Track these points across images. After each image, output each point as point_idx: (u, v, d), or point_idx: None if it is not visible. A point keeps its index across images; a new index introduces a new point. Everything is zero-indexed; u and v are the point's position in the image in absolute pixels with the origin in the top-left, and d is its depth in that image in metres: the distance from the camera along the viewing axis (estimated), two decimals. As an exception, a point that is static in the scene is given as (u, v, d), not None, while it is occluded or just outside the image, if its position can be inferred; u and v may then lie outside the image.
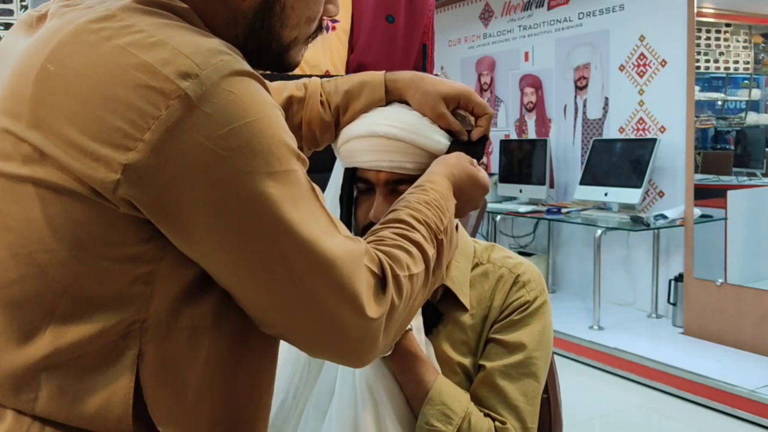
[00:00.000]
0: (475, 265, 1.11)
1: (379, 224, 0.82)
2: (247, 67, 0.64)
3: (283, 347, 1.11)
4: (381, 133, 0.97)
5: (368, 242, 0.77)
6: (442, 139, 0.99)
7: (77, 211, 0.62)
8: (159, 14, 0.64)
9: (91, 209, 0.62)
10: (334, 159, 1.10)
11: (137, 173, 0.59)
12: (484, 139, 1.02)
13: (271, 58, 0.77)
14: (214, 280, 0.69)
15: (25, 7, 4.88)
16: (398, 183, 1.00)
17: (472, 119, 1.02)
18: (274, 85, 0.98)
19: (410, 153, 0.97)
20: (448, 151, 0.98)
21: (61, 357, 0.64)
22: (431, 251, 0.80)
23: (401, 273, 0.74)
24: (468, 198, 0.94)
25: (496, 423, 1.01)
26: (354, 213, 1.06)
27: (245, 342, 0.73)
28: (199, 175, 0.60)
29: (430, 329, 1.06)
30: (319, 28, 0.82)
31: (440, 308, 1.07)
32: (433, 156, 0.98)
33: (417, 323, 1.03)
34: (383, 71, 1.03)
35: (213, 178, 0.61)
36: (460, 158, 0.96)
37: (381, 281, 0.72)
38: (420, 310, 1.04)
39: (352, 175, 1.04)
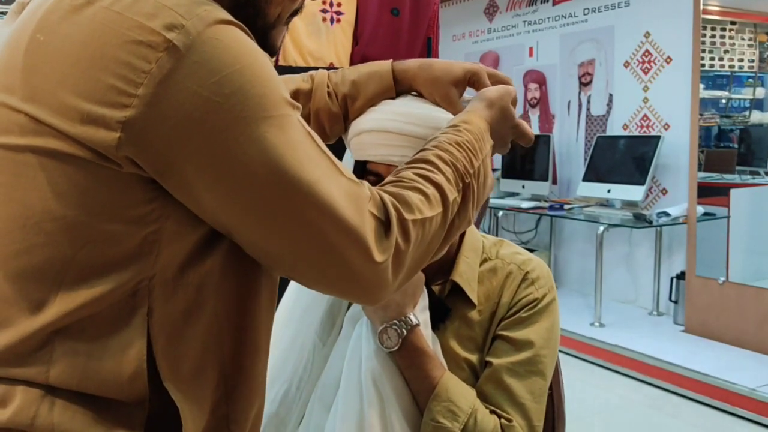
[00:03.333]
0: (484, 261, 1.11)
1: (405, 164, 0.81)
2: (229, 16, 0.65)
3: (286, 338, 1.11)
4: (392, 129, 0.96)
5: (388, 182, 0.77)
6: None
7: (80, 176, 0.62)
8: None
9: (94, 173, 0.62)
10: (342, 150, 1.08)
11: (136, 129, 0.60)
12: None
13: (257, 38, 0.77)
14: (220, 238, 0.69)
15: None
16: None
17: None
18: (280, 78, 0.98)
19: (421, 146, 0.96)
20: None
21: (72, 318, 0.65)
22: (453, 194, 0.79)
23: (409, 216, 0.73)
24: (498, 136, 0.92)
25: (502, 420, 1.00)
26: None
27: (250, 296, 0.74)
28: (197, 124, 0.61)
29: (437, 325, 1.05)
30: (300, 7, 0.82)
31: (448, 304, 1.07)
32: None
33: (424, 318, 1.02)
34: (390, 60, 1.02)
35: (210, 125, 0.61)
36: (501, 93, 0.92)
37: (384, 225, 0.72)
38: (428, 304, 1.03)
39: (362, 167, 1.03)
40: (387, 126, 0.96)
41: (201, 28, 0.61)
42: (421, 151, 0.83)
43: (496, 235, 5.39)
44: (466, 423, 0.97)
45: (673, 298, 4.03)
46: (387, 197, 0.73)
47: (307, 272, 0.71)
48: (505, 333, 1.05)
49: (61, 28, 0.62)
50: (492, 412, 1.01)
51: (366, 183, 0.73)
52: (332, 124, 1.03)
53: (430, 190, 0.77)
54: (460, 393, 0.99)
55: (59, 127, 0.61)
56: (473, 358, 1.06)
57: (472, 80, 0.98)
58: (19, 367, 0.65)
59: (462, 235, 1.10)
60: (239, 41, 0.64)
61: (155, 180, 0.64)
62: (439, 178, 0.78)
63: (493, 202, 4.82)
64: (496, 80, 0.99)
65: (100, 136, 0.60)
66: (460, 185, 0.81)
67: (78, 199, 0.63)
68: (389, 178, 0.79)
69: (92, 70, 0.60)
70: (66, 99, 0.61)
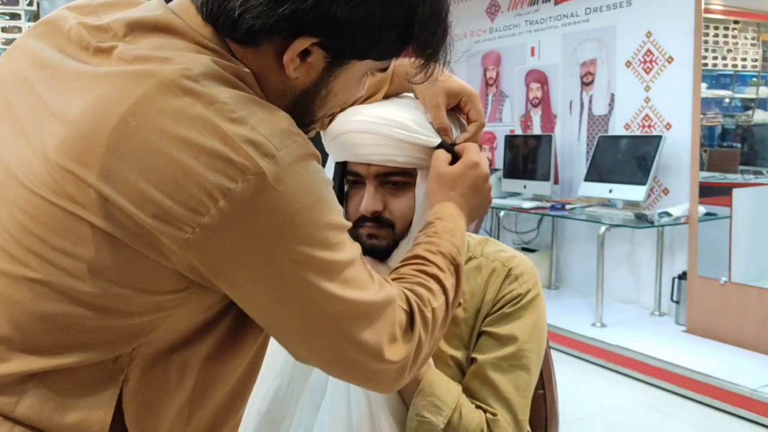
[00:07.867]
0: (469, 259, 1.11)
1: (399, 262, 0.86)
2: (312, 148, 0.69)
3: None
4: (371, 130, 0.98)
5: (394, 279, 0.82)
6: (432, 136, 0.99)
7: (128, 257, 0.64)
8: (233, 83, 0.68)
9: (143, 259, 0.65)
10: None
11: (204, 236, 0.63)
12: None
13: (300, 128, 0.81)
14: (215, 327, 0.73)
15: (30, 13, 4.69)
16: (389, 175, 1.00)
17: (466, 125, 1.03)
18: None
19: (400, 147, 0.98)
20: (436, 148, 0.98)
21: (54, 367, 0.67)
22: (450, 281, 0.84)
23: (426, 309, 0.79)
24: (480, 199, 0.97)
25: (488, 415, 1.01)
26: (345, 207, 1.05)
27: (229, 382, 0.78)
28: (261, 244, 0.65)
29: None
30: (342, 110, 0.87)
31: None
32: (424, 149, 0.98)
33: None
34: None
35: (274, 247, 0.66)
36: (455, 173, 0.96)
37: (410, 319, 0.77)
38: None
39: (342, 169, 1.03)
40: (366, 127, 0.98)
41: (289, 161, 0.65)
42: (409, 250, 0.88)
43: (498, 236, 5.35)
44: (451, 417, 0.98)
45: (674, 299, 4.02)
46: (409, 294, 0.78)
47: (331, 368, 0.77)
48: (489, 329, 1.06)
49: (158, 122, 0.63)
50: (478, 407, 1.02)
51: (391, 282, 0.79)
52: None
53: (432, 283, 0.83)
54: (445, 388, 1.00)
55: (129, 212, 0.62)
56: (459, 355, 1.07)
57: (464, 100, 1.01)
58: None
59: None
60: (315, 175, 0.69)
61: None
62: (434, 269, 0.84)
63: (494, 202, 4.82)
64: (476, 114, 1.02)
65: (169, 233, 0.63)
66: (452, 268, 0.86)
67: (112, 275, 0.65)
68: (391, 275, 0.83)
69: (181, 173, 0.62)
70: (145, 190, 0.62)
